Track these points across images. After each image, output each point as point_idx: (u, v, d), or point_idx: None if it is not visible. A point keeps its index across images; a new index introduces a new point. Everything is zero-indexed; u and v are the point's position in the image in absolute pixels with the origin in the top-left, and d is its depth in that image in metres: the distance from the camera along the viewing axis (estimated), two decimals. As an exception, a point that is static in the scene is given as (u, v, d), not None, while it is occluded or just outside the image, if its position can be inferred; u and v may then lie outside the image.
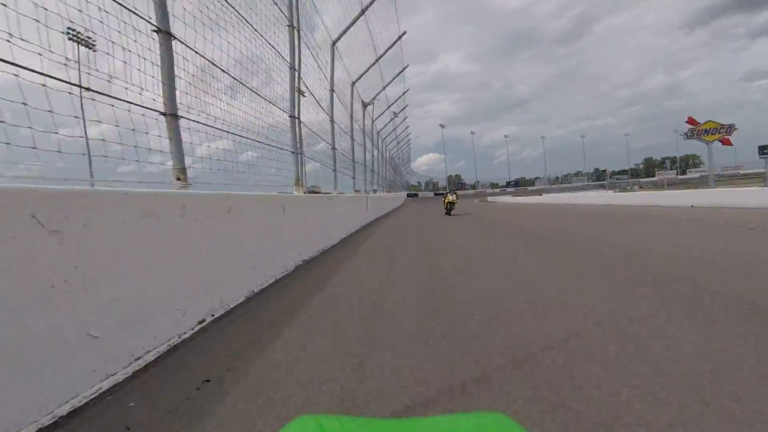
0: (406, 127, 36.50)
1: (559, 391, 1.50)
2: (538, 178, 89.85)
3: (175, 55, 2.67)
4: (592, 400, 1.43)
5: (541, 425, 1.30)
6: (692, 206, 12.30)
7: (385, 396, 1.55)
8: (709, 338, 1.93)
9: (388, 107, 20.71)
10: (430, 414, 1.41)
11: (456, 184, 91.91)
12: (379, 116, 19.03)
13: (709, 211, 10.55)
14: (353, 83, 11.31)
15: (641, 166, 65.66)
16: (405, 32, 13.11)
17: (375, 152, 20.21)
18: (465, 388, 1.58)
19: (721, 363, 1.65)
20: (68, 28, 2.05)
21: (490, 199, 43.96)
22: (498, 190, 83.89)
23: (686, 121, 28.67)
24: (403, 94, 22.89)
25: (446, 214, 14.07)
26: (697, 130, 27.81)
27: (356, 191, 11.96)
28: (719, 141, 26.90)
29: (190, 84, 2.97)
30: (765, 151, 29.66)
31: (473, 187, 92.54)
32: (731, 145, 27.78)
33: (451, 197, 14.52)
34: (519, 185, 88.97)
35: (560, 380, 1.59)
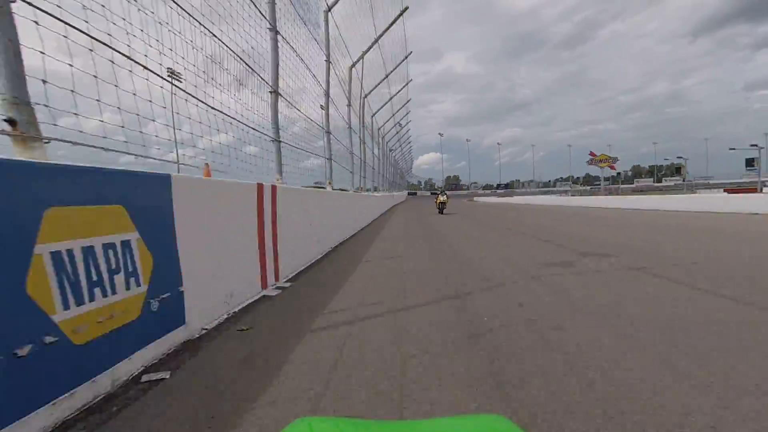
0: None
1: (461, 258, 4.98)
2: (532, 180, 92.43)
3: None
4: (474, 260, 4.81)
5: (460, 273, 3.98)
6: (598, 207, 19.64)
7: (411, 257, 5.14)
8: (503, 238, 7.06)
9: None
10: (434, 415, 1.47)
11: (451, 185, 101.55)
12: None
13: (605, 209, 16.90)
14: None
15: (629, 173, 68.08)
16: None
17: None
18: (446, 266, 4.44)
19: (504, 243, 6.33)
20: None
21: (476, 199, 53.03)
22: (489, 191, 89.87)
23: (589, 153, 48.09)
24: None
25: (439, 213, 15.53)
26: (594, 159, 46.20)
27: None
28: (609, 167, 45.27)
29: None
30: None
31: (468, 188, 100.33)
32: (615, 169, 50.17)
33: (442, 197, 15.95)
34: (509, 187, 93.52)
35: (470, 260, 4.83)
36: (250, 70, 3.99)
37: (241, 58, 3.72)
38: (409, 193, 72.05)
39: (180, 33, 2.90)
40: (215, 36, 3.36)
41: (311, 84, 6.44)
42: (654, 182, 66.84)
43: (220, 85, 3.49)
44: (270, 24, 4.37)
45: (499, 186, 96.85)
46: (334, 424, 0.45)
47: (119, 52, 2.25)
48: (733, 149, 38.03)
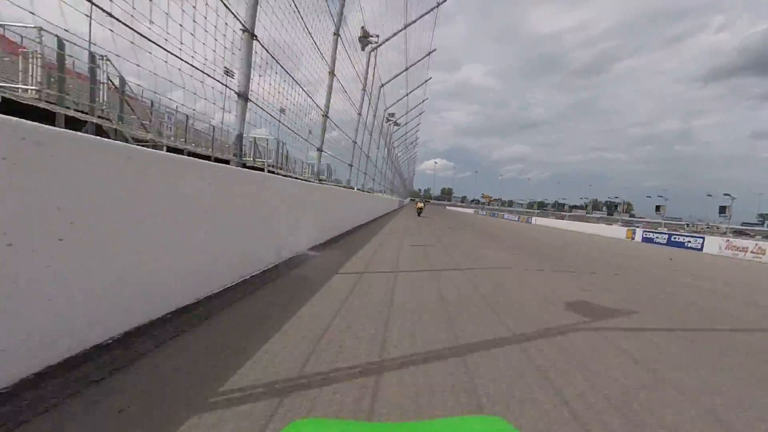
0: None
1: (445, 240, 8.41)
2: (526, 201, 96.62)
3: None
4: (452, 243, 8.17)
5: (443, 247, 7.38)
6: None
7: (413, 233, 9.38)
8: (469, 236, 10.94)
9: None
10: (435, 416, 1.50)
11: (442, 196, 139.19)
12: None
13: (522, 225, 29.57)
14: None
15: (588, 204, 75.80)
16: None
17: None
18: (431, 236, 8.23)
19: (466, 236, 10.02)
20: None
21: (448, 208, 71.62)
22: (469, 207, 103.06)
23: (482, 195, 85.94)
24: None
25: (417, 215, 21.85)
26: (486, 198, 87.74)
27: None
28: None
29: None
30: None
31: (451, 199, 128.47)
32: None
33: (420, 204, 22.74)
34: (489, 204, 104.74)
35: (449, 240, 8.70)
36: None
37: None
38: (411, 200, 73.11)
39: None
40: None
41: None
42: (586, 213, 72.37)
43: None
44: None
45: (472, 201, 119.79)
46: (332, 425, 0.47)
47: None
48: (710, 195, 42.07)
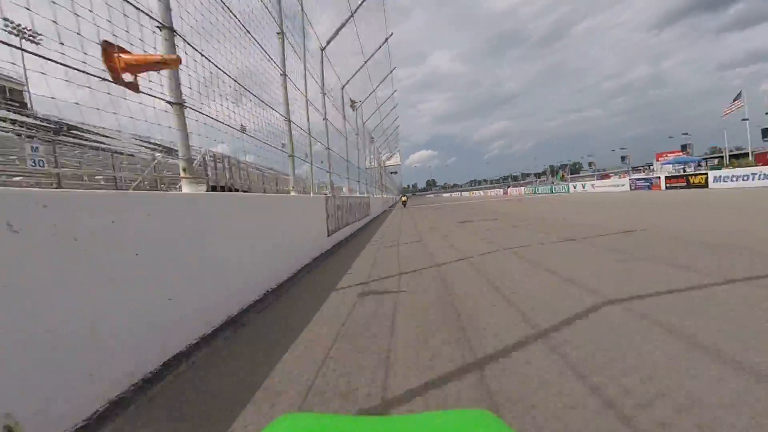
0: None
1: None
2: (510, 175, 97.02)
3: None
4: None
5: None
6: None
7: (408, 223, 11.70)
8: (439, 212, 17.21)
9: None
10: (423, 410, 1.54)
11: (420, 189, 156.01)
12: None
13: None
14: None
15: (548, 169, 78.11)
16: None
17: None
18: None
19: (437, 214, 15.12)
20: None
21: (429, 196, 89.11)
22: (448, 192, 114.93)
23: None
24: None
25: (403, 206, 27.90)
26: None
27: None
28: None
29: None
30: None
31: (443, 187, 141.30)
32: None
33: (404, 198, 30.16)
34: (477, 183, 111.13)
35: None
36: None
37: None
38: (405, 195, 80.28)
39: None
40: None
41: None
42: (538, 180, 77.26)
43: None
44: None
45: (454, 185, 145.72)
46: (319, 419, 0.46)
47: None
48: (671, 137, 49.44)
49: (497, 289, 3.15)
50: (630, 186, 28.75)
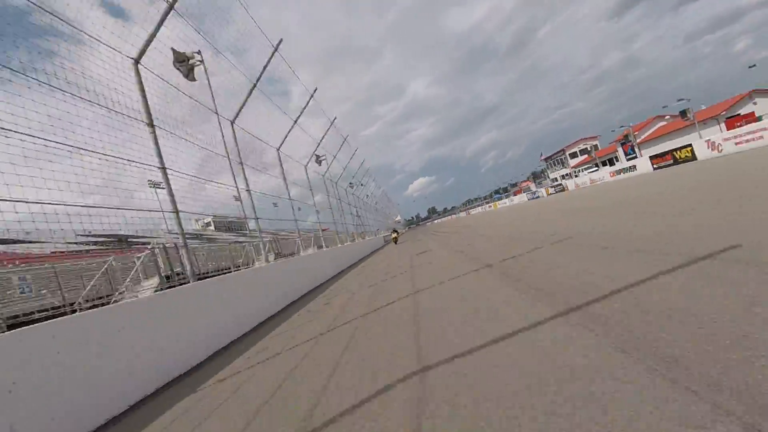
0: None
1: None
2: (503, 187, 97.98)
3: None
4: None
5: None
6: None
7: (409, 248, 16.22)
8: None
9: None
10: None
11: (422, 218, 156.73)
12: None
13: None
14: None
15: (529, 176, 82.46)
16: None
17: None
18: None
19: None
20: None
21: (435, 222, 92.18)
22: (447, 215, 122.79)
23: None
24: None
25: (394, 243, 24.85)
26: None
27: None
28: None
29: None
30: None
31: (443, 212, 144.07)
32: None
33: (394, 235, 25.64)
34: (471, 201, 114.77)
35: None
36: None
37: None
38: (409, 226, 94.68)
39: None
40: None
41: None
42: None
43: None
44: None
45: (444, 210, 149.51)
46: None
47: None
48: (665, 107, 38.48)
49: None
50: (615, 174, 27.86)
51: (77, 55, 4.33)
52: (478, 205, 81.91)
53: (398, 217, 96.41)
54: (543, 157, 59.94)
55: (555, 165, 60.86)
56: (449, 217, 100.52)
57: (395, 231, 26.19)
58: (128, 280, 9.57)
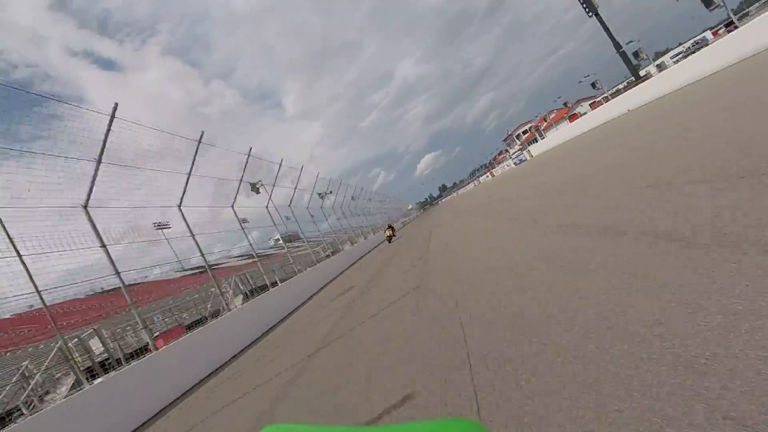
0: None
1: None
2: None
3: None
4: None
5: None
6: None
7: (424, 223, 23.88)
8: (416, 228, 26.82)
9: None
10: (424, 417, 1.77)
11: (434, 198, 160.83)
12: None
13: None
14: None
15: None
16: (251, 148, 13.00)
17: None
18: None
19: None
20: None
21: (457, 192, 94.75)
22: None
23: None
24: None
25: (388, 242, 22.42)
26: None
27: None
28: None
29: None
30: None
31: (453, 185, 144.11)
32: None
33: (388, 232, 22.27)
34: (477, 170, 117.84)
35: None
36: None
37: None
38: (423, 208, 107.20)
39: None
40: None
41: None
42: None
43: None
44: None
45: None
46: (304, 428, 0.46)
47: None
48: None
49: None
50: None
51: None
52: (480, 175, 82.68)
53: (410, 206, 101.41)
54: (503, 139, 78.68)
55: (511, 143, 74.07)
56: (455, 193, 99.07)
57: (390, 227, 22.39)
58: (230, 293, 13.14)
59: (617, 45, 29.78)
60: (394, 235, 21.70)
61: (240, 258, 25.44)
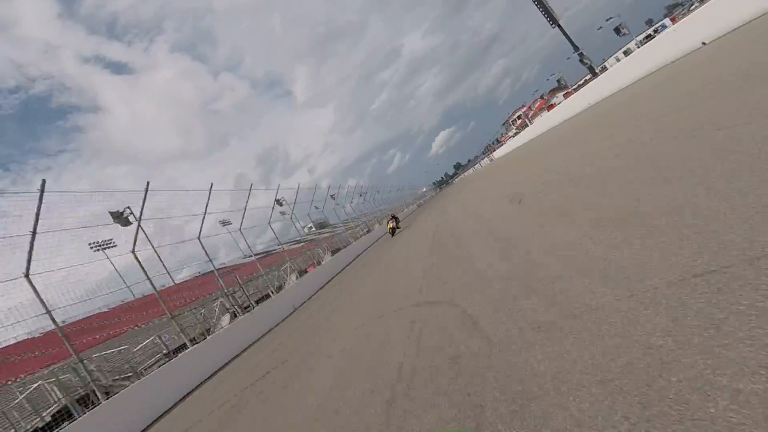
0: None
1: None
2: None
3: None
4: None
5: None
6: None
7: (432, 212, 23.05)
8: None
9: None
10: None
11: (450, 177, 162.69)
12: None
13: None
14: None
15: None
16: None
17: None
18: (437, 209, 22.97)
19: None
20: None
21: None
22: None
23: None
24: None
25: (391, 236, 18.87)
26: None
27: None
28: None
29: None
30: None
31: (468, 162, 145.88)
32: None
33: (391, 224, 19.23)
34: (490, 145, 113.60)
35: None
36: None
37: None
38: (440, 187, 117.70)
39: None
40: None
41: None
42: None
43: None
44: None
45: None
46: None
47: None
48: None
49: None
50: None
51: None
52: (491, 151, 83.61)
53: (424, 189, 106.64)
54: (502, 123, 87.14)
55: (509, 127, 79.11)
56: (469, 171, 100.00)
57: (393, 217, 19.90)
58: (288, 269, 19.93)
59: (575, 47, 35.92)
60: (398, 227, 19.40)
61: (291, 243, 32.99)
